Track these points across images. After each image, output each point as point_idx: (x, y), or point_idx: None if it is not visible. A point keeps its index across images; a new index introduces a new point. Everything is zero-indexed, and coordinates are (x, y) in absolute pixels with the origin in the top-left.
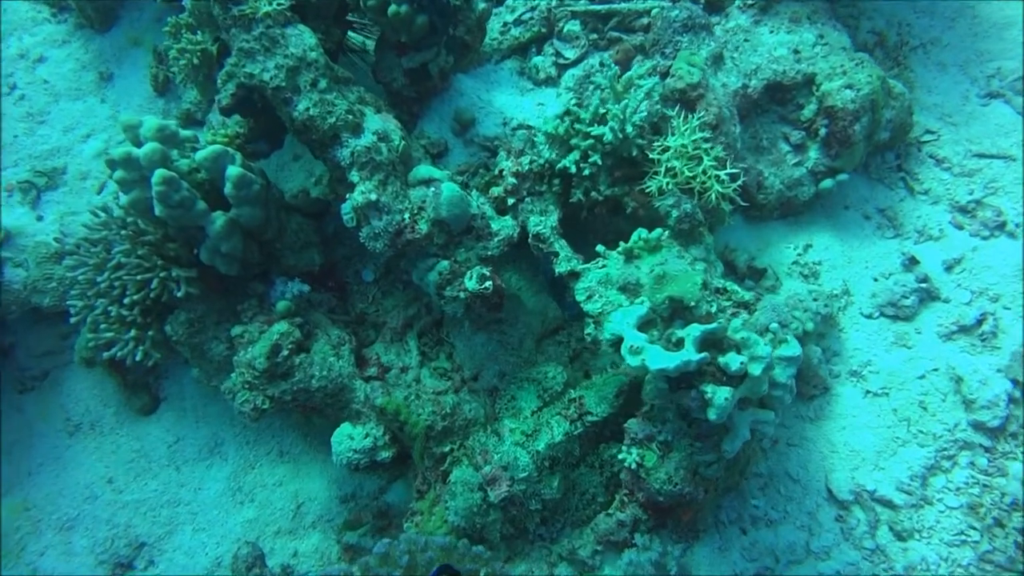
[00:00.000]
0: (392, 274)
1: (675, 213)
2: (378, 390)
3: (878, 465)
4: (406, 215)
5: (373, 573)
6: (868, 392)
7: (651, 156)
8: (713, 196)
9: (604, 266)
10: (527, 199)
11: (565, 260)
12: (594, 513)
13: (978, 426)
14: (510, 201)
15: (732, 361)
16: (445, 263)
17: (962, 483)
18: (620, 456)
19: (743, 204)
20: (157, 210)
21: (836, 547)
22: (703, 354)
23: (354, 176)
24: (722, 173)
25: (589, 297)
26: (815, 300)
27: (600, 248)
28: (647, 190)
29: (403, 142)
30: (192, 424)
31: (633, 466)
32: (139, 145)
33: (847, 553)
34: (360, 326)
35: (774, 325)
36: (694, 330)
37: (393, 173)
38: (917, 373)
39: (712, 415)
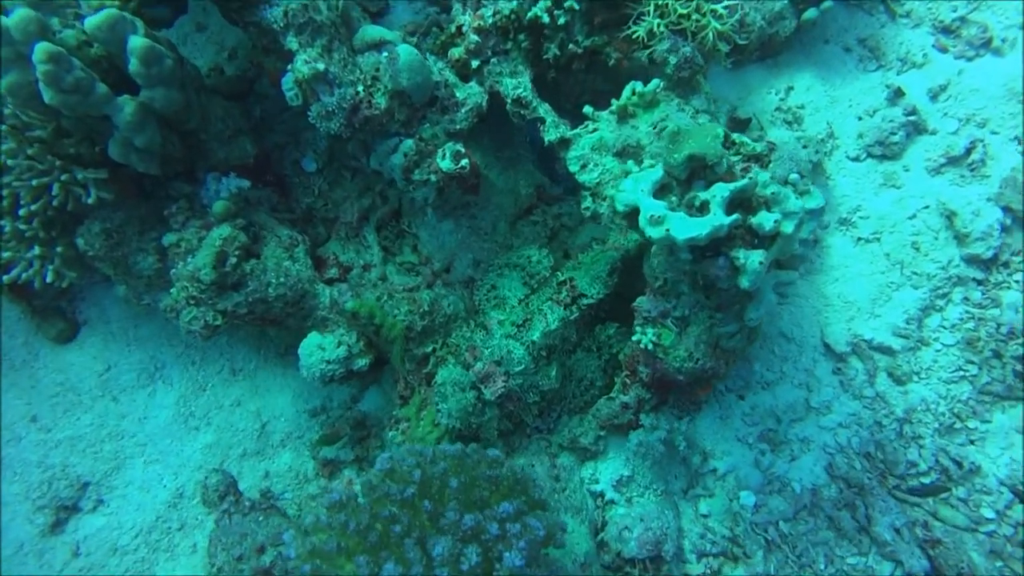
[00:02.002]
0: (337, 161)
1: (673, 59)
2: (346, 293)
3: (874, 313)
4: (359, 87)
5: (381, 492)
6: (859, 239)
7: None
8: (710, 35)
9: (595, 130)
10: (492, 60)
11: (553, 126)
12: (593, 398)
13: (972, 260)
14: (474, 64)
15: (765, 220)
16: (410, 142)
17: (957, 319)
18: (635, 337)
19: (740, 43)
20: (46, 96)
21: (836, 400)
22: (734, 215)
23: (291, 42)
24: (719, 7)
25: (583, 166)
26: (804, 147)
27: (588, 109)
28: (634, 36)
29: None
30: (123, 348)
31: (649, 346)
32: (6, 14)
33: (847, 404)
34: (308, 224)
35: (794, 176)
36: (720, 190)
37: (336, 36)
38: (908, 213)
39: (745, 282)
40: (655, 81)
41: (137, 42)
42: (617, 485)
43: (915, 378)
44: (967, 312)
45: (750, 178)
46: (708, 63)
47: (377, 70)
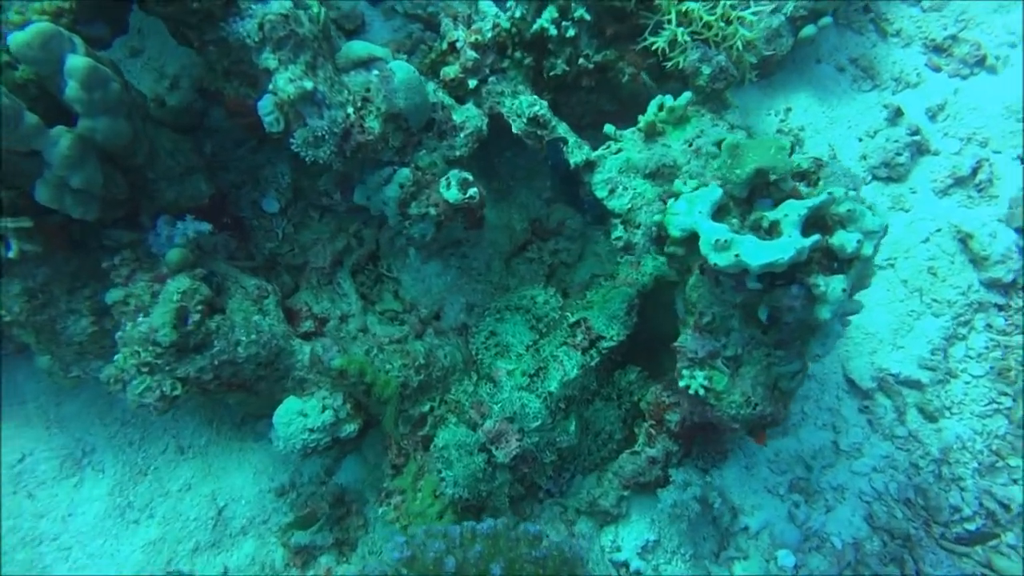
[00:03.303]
0: (303, 199)
1: (706, 70)
2: (331, 348)
3: (896, 344)
4: (349, 109)
5: None
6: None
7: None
8: (739, 44)
9: (620, 150)
10: (491, 79)
11: (577, 147)
12: (610, 454)
13: (992, 284)
14: (471, 83)
15: (847, 241)
16: (406, 171)
17: (982, 348)
18: (682, 383)
19: (766, 54)
20: None
21: (866, 441)
22: (814, 236)
23: (268, 60)
24: (747, 14)
25: (612, 191)
26: None
27: (609, 128)
28: (652, 47)
29: (323, 10)
30: (42, 432)
31: (700, 392)
32: None
33: (879, 446)
34: (272, 272)
35: (852, 193)
36: (795, 208)
37: (320, 52)
38: (920, 237)
39: (826, 312)
40: (686, 95)
41: (77, 62)
42: (643, 552)
43: (947, 413)
44: (992, 340)
45: (829, 193)
46: (742, 75)
47: (368, 90)
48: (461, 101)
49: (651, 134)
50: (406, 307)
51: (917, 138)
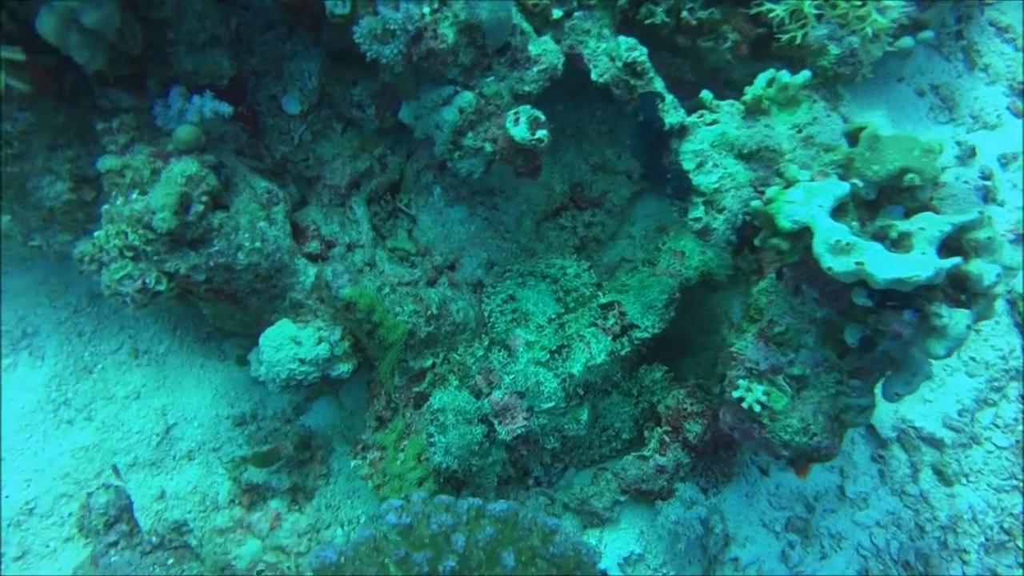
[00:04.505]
0: (328, 106)
1: (835, 49)
2: (342, 275)
3: (925, 398)
4: (426, 7)
5: (395, 558)
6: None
7: None
8: (868, 30)
9: (715, 122)
10: (576, 14)
11: (673, 107)
12: (613, 452)
13: None
14: (556, 14)
15: (987, 272)
16: (469, 95)
17: (1011, 419)
18: (735, 394)
19: (889, 49)
20: None
21: (874, 493)
22: (955, 259)
23: None
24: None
25: (700, 165)
26: None
27: (707, 95)
28: (770, 15)
29: None
30: None
31: (756, 408)
32: None
33: (886, 500)
34: (278, 178)
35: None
36: (935, 223)
37: None
38: None
39: (940, 349)
40: (805, 73)
41: None
42: (624, 563)
43: (963, 480)
44: (1023, 412)
45: (980, 212)
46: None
47: None
48: (538, 31)
49: (754, 111)
50: (420, 250)
51: (988, 183)
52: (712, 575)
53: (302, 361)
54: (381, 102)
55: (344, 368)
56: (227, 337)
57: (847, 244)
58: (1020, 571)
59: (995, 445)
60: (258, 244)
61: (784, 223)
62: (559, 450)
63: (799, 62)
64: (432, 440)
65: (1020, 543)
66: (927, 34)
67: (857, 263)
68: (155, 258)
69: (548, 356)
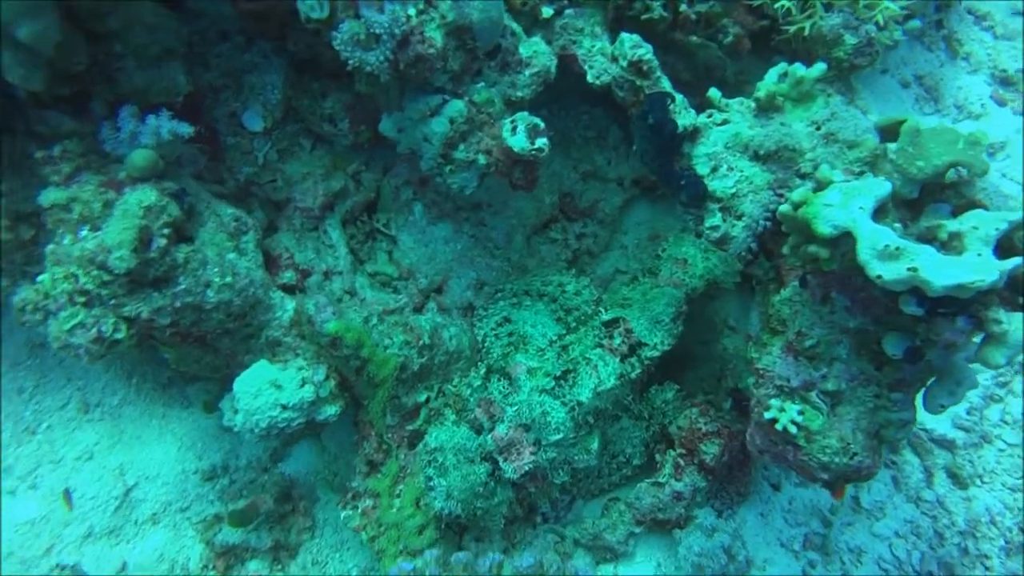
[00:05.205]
0: (294, 122)
1: (851, 39)
2: (326, 308)
3: None
4: (411, 8)
5: None
6: None
7: None
8: (880, 18)
9: (726, 121)
10: (567, 11)
11: (684, 108)
12: (623, 480)
13: None
14: (546, 12)
15: None
16: (459, 104)
17: (1019, 415)
18: (768, 415)
19: (898, 38)
20: None
21: (889, 501)
22: (1016, 259)
23: None
24: None
25: (715, 169)
26: None
27: (715, 93)
28: (775, 5)
29: None
30: None
31: (792, 429)
32: None
33: (903, 508)
34: (245, 202)
35: None
36: (989, 221)
37: None
38: None
39: (1000, 357)
40: (821, 65)
41: None
42: None
43: (978, 481)
44: None
45: None
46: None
47: None
48: (526, 32)
49: (766, 108)
50: (402, 273)
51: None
52: None
53: (284, 407)
54: (355, 115)
55: (331, 411)
56: (191, 381)
57: (896, 249)
58: None
59: (1006, 443)
60: (229, 279)
61: (823, 228)
62: (572, 482)
63: (802, 55)
64: (431, 483)
65: None
66: (915, 23)
67: (910, 269)
68: (112, 302)
69: (553, 383)
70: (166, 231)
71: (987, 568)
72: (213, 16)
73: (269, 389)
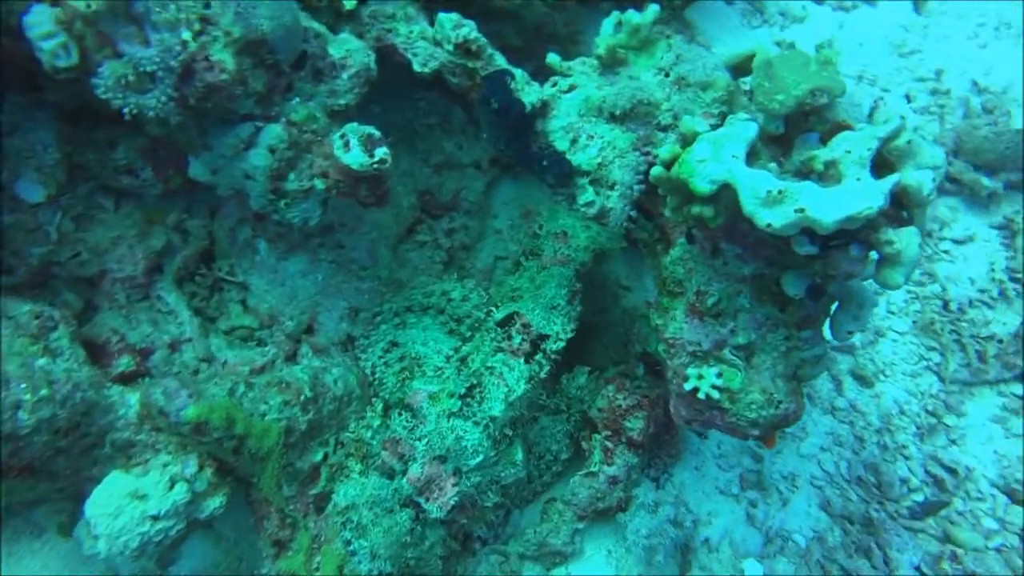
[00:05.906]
0: (85, 181)
1: None
2: (179, 392)
3: None
4: (184, 32)
5: None
6: None
7: None
8: None
9: (572, 87)
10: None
11: (526, 82)
12: (554, 478)
13: None
14: (349, 3)
15: (923, 181)
16: (276, 128)
17: (901, 303)
18: (687, 386)
19: None
20: None
21: (808, 418)
22: (892, 177)
23: None
24: None
25: (574, 140)
26: None
27: (554, 58)
28: None
29: None
30: None
31: (714, 395)
32: None
33: (821, 421)
34: (45, 291)
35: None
36: (859, 142)
37: None
38: None
39: (899, 277)
40: (654, 7)
41: None
42: None
43: (881, 377)
44: (909, 292)
45: (901, 118)
46: None
47: (207, 5)
48: (332, 30)
49: (611, 63)
50: (263, 321)
51: None
52: (689, 569)
53: (155, 517)
54: (158, 159)
55: (215, 503)
56: (35, 506)
57: (779, 192)
58: (953, 447)
59: (897, 332)
60: (44, 391)
61: (702, 186)
62: (505, 499)
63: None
64: (352, 547)
65: (946, 420)
66: None
67: (797, 211)
68: None
69: (460, 404)
70: None
71: (907, 458)
72: None
73: (131, 503)
